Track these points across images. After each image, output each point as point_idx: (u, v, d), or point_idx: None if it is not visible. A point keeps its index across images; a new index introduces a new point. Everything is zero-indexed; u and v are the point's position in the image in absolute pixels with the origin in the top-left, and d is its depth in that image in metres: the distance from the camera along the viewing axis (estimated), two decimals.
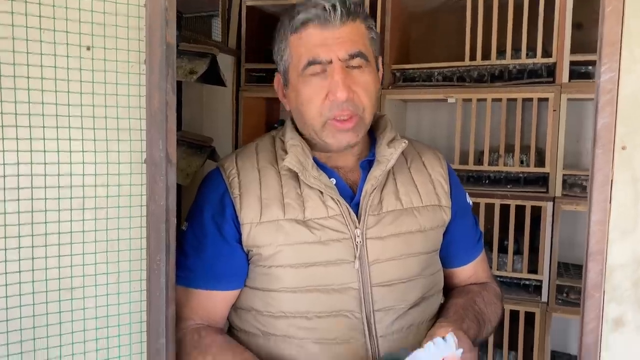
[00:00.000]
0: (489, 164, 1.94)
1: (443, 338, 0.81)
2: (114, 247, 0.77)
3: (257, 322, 0.97)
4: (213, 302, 0.97)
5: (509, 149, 1.95)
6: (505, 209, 1.90)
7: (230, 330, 1.05)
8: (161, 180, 0.77)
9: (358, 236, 0.94)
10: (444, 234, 1.06)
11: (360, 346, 0.93)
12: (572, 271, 2.01)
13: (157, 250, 0.78)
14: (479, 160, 1.98)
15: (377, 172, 0.97)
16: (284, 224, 0.93)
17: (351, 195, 0.98)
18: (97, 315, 0.77)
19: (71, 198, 0.74)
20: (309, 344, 0.93)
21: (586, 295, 0.56)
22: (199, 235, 0.96)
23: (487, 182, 1.97)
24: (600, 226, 0.57)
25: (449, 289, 1.12)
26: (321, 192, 0.95)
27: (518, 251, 1.95)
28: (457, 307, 1.02)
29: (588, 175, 1.87)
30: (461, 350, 0.80)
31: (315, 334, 0.93)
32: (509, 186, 1.93)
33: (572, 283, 1.93)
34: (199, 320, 0.96)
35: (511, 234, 1.90)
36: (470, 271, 1.13)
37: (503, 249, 1.96)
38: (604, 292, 0.56)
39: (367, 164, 1.01)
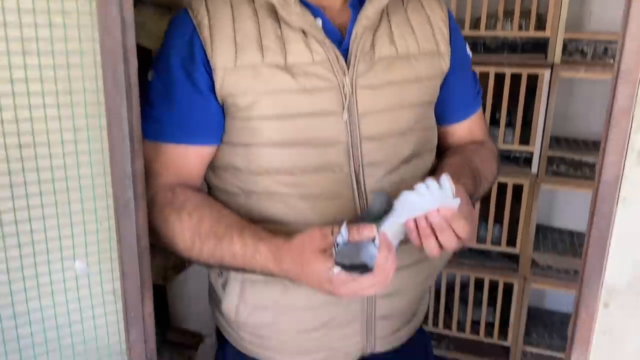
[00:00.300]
0: (485, 29, 1.81)
1: (437, 182, 0.73)
2: (64, 87, 0.67)
3: (238, 180, 0.89)
4: (186, 159, 0.87)
5: (508, 14, 1.81)
6: (499, 79, 1.80)
7: (209, 191, 0.97)
8: (114, 8, 0.65)
9: (347, 85, 0.84)
10: (441, 87, 0.96)
11: (348, 201, 0.86)
12: (563, 144, 1.96)
13: (115, 93, 0.68)
14: (475, 26, 1.85)
15: (369, 11, 0.84)
16: (263, 69, 0.82)
17: (339, 40, 0.86)
18: (54, 175, 0.69)
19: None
20: (293, 200, 0.86)
21: (611, 123, 0.48)
22: (166, 83, 0.85)
23: (482, 49, 1.85)
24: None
25: (443, 150, 1.03)
26: (304, 33, 0.83)
27: (510, 123, 1.88)
28: (451, 165, 0.93)
29: (591, 40, 1.76)
30: (458, 200, 0.73)
31: (300, 189, 0.86)
32: (505, 53, 1.82)
33: (563, 154, 1.89)
34: (172, 177, 0.87)
35: (504, 104, 1.82)
36: (466, 128, 1.04)
37: (495, 122, 1.89)
38: (632, 118, 0.48)
39: (358, 3, 0.88)
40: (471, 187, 0.89)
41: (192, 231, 0.82)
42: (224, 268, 0.87)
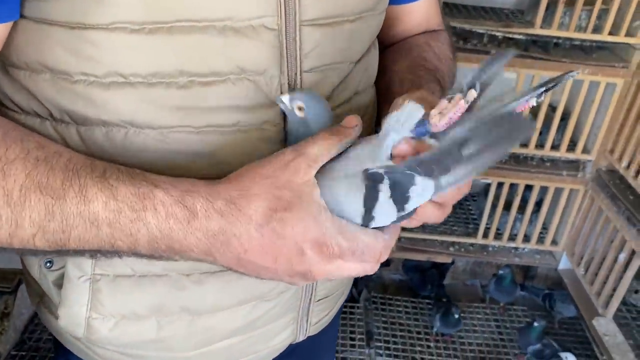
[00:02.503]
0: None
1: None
2: None
3: (62, 95, 0.51)
4: None
5: None
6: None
7: (4, 114, 0.55)
8: None
9: None
10: None
11: (276, 133, 0.55)
12: None
13: None
14: None
15: None
16: None
17: None
18: None
19: None
20: (180, 135, 0.52)
21: None
22: None
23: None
24: None
25: (386, 47, 0.72)
26: None
27: None
28: (403, 73, 0.66)
29: None
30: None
31: (192, 118, 0.52)
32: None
33: None
34: None
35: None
36: (421, 12, 0.73)
37: None
38: None
39: None
40: (439, 94, 0.63)
41: None
42: (63, 253, 0.49)
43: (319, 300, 0.71)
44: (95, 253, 0.49)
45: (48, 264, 0.60)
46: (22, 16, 0.49)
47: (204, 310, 0.61)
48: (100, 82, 0.50)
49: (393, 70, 0.67)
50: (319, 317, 0.74)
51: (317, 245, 0.46)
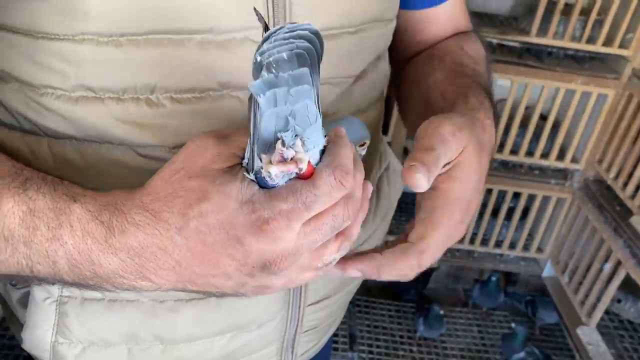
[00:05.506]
0: None
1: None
2: None
3: (30, 107, 0.47)
4: None
5: None
6: None
7: None
8: None
9: None
10: None
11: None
12: None
13: None
14: None
15: None
16: None
17: None
18: None
19: None
20: (155, 153, 0.48)
21: None
22: None
23: None
24: None
25: (412, 55, 0.66)
26: None
27: None
28: (443, 85, 0.58)
29: None
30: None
31: (166, 136, 0.47)
32: None
33: None
34: None
35: None
36: (448, 15, 0.66)
37: None
38: None
39: None
40: (489, 115, 0.54)
41: None
42: None
43: (305, 331, 0.65)
44: (18, 279, 0.43)
45: (12, 279, 0.49)
46: None
47: (178, 339, 0.56)
48: (68, 95, 0.45)
49: (429, 84, 0.60)
50: (306, 348, 0.68)
51: (253, 226, 0.36)
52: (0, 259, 0.40)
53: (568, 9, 1.50)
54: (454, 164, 0.46)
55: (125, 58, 0.44)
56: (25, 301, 0.55)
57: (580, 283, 1.71)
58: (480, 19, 1.65)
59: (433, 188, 0.46)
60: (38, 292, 0.53)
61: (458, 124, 0.46)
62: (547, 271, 1.91)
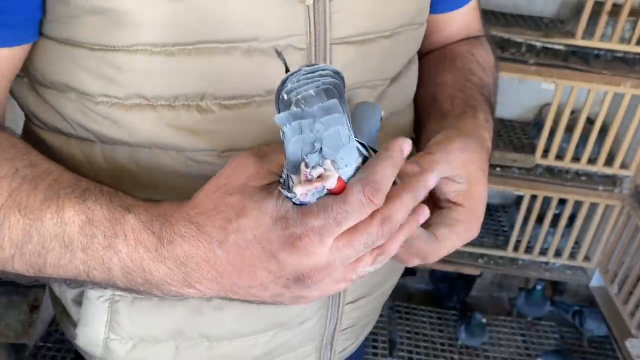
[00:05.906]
0: None
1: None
2: None
3: (86, 115, 0.50)
4: None
5: None
6: None
7: (26, 134, 0.57)
8: None
9: None
10: None
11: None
12: None
13: None
14: None
15: None
16: None
17: None
18: None
19: None
20: (204, 158, 0.51)
21: None
22: None
23: None
24: None
25: (424, 54, 0.69)
26: None
27: None
28: (453, 90, 0.61)
29: None
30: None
31: (215, 141, 0.50)
32: None
33: None
34: None
35: None
36: (462, 19, 0.69)
37: None
38: None
39: None
40: (490, 124, 0.58)
41: None
42: (43, 279, 0.47)
43: (344, 329, 0.68)
44: (73, 282, 0.46)
45: (68, 281, 0.53)
46: (45, 37, 0.49)
47: (223, 336, 0.59)
48: (122, 103, 0.49)
49: (438, 83, 0.63)
50: (344, 346, 0.71)
51: (286, 242, 0.38)
52: (60, 263, 0.44)
53: (616, 10, 1.46)
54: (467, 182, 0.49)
55: (176, 67, 0.47)
56: (79, 300, 0.58)
57: (631, 293, 1.64)
58: (525, 21, 1.63)
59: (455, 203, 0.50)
60: (92, 291, 0.56)
61: (469, 147, 0.50)
62: (595, 280, 1.84)
